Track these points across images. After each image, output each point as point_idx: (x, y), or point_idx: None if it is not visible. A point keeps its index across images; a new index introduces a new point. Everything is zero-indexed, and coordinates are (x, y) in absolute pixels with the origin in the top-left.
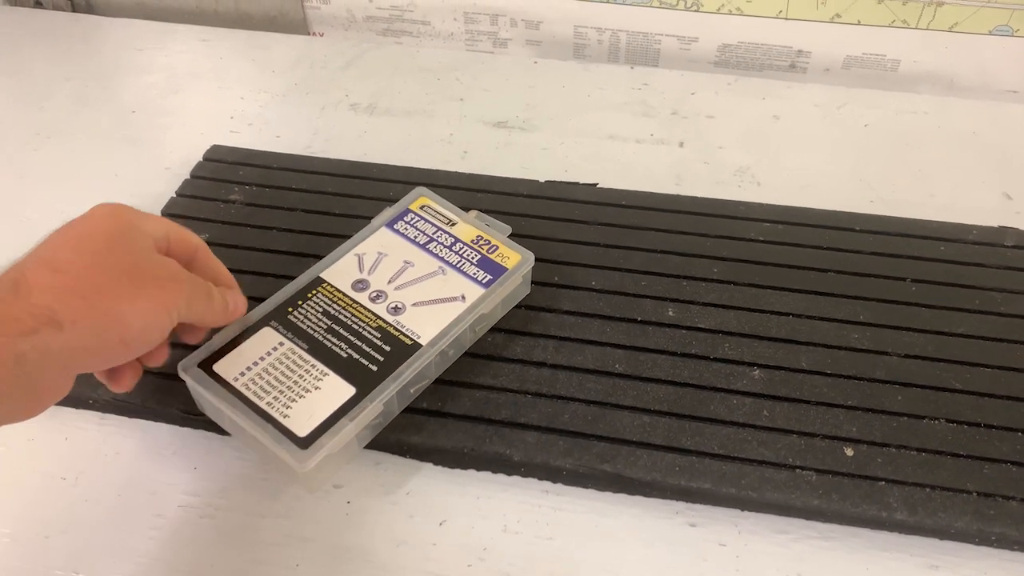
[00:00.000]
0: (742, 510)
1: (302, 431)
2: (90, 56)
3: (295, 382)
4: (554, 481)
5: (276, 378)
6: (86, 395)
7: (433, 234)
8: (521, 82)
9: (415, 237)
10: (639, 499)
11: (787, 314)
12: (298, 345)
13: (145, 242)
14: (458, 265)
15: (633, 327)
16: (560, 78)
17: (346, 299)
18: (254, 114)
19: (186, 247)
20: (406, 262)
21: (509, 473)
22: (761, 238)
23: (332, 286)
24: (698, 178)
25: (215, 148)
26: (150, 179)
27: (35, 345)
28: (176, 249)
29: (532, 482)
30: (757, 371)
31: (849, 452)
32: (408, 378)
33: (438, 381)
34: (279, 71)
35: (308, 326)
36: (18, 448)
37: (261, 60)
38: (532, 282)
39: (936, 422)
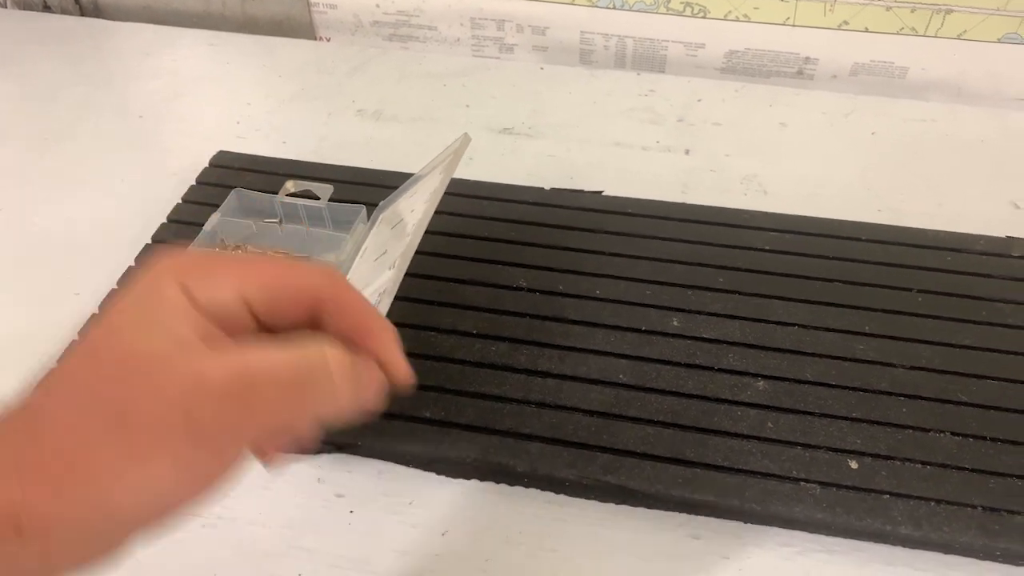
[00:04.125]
0: (745, 523)
1: None
2: (97, 60)
3: None
4: (557, 492)
5: None
6: None
7: None
8: (527, 88)
9: None
10: (642, 511)
11: (792, 324)
12: None
13: (162, 343)
14: None
15: (638, 337)
16: (566, 84)
17: None
18: (261, 119)
19: (294, 304)
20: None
21: (512, 484)
22: (767, 247)
23: None
24: (704, 186)
25: (221, 154)
26: (156, 185)
27: None
28: (273, 311)
29: (535, 493)
30: (762, 382)
31: (854, 465)
32: None
33: (441, 390)
34: (286, 76)
35: None
36: None
37: (268, 65)
38: (538, 291)
39: (942, 435)
